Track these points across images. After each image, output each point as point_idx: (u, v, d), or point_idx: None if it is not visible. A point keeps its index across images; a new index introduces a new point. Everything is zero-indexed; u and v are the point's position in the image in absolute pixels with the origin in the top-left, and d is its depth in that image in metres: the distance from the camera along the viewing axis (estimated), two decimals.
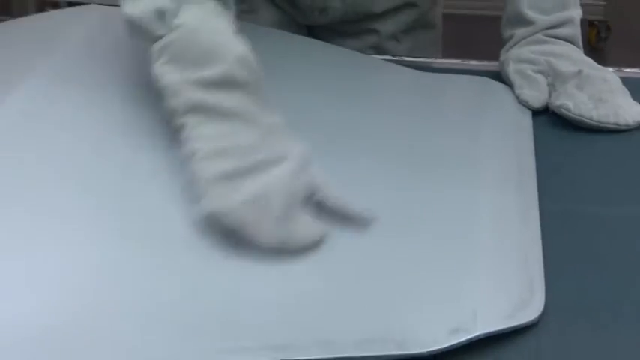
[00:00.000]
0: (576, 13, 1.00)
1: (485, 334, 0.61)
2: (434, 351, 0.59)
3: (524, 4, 0.98)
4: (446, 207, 0.74)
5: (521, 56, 0.96)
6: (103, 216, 0.67)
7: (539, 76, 0.94)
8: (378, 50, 1.12)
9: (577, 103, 0.89)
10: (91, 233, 0.65)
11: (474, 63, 1.04)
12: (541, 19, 0.97)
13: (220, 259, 0.65)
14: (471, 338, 0.60)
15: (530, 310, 0.64)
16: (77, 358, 0.56)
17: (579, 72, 0.92)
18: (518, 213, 0.75)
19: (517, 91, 0.94)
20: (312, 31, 1.16)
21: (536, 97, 0.93)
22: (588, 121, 0.89)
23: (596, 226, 0.76)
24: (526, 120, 0.90)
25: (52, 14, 1.07)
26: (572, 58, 0.96)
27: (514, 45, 0.98)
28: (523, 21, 0.97)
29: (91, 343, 0.57)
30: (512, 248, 0.70)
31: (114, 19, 0.89)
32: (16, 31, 0.97)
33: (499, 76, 0.98)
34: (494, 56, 1.01)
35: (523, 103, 0.93)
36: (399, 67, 0.98)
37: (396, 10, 1.13)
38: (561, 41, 0.98)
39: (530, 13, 0.97)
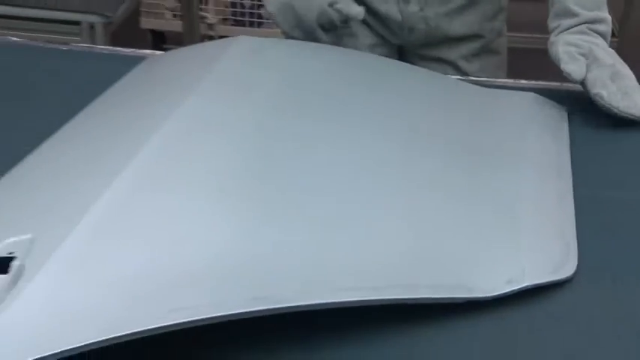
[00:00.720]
0: (608, 15, 0.96)
1: (532, 285, 0.61)
2: (494, 296, 0.59)
3: (570, 1, 0.94)
4: (500, 189, 0.73)
5: (570, 40, 0.92)
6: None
7: (582, 57, 0.90)
8: (454, 69, 1.12)
9: (609, 93, 0.87)
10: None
11: (523, 82, 1.01)
12: (584, 13, 0.94)
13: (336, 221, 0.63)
14: (521, 288, 0.60)
15: (567, 269, 0.63)
16: None
17: (613, 64, 0.89)
18: (556, 195, 0.74)
19: (563, 66, 0.90)
20: (402, 55, 1.16)
21: (577, 71, 0.89)
22: (615, 110, 0.87)
23: (621, 207, 0.74)
24: (564, 125, 0.88)
25: (209, 44, 1.05)
26: (607, 51, 0.93)
27: (562, 31, 0.94)
28: (569, 14, 0.94)
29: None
30: (551, 222, 0.69)
31: (258, 46, 0.89)
32: (179, 58, 0.98)
33: (543, 93, 0.95)
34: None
35: (566, 75, 0.89)
36: (465, 83, 0.98)
37: (466, 38, 1.12)
38: (598, 35, 0.94)
39: (576, 8, 0.94)
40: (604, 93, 0.86)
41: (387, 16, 1.08)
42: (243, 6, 2.46)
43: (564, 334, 0.57)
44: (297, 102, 0.79)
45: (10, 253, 0.54)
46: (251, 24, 2.47)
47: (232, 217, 0.61)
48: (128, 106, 0.82)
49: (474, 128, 0.83)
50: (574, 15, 0.93)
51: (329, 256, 0.59)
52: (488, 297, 0.58)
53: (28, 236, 0.55)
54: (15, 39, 1.07)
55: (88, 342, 0.47)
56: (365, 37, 1.13)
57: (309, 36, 1.01)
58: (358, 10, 0.99)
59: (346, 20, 1.00)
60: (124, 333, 0.48)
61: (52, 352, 0.46)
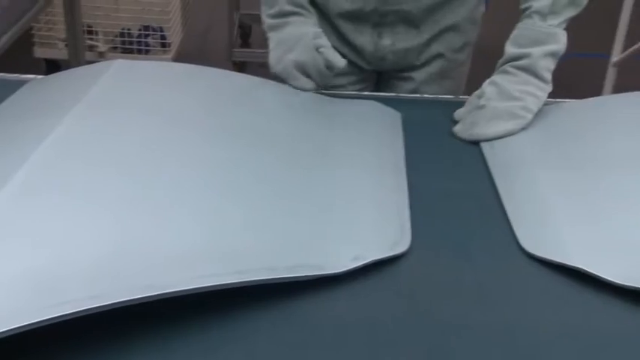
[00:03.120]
0: (538, 49, 0.91)
1: (374, 260, 0.64)
2: (342, 272, 0.63)
3: (509, 41, 0.93)
4: (346, 182, 0.76)
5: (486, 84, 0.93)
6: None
7: (474, 100, 0.92)
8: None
9: (459, 127, 0.90)
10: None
11: (366, 93, 1.06)
12: (510, 51, 0.92)
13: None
14: (365, 263, 0.64)
15: (402, 246, 0.68)
16: None
17: (485, 102, 0.90)
18: (393, 185, 0.77)
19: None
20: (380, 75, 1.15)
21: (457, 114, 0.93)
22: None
23: (446, 196, 0.78)
24: (398, 126, 0.91)
25: (91, 66, 0.96)
26: (507, 91, 0.91)
27: (496, 71, 0.94)
28: (503, 54, 0.94)
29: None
30: (389, 208, 0.73)
31: (133, 68, 0.89)
32: (62, 78, 0.95)
33: (382, 101, 0.97)
34: None
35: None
36: (310, 93, 0.96)
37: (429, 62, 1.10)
38: (518, 71, 0.92)
39: (507, 47, 0.93)
40: (456, 128, 0.89)
41: (362, 48, 1.06)
42: (131, 35, 2.44)
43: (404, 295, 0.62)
44: (167, 116, 0.78)
45: None
46: (139, 51, 2.45)
47: (112, 216, 0.61)
48: (12, 123, 0.79)
49: (324, 131, 0.85)
50: (503, 55, 0.93)
51: (199, 245, 0.59)
52: (338, 273, 0.62)
53: None
54: None
55: None
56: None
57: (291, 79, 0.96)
58: (339, 60, 0.95)
59: (331, 67, 0.95)
60: (13, 327, 0.47)
61: None
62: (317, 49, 0.94)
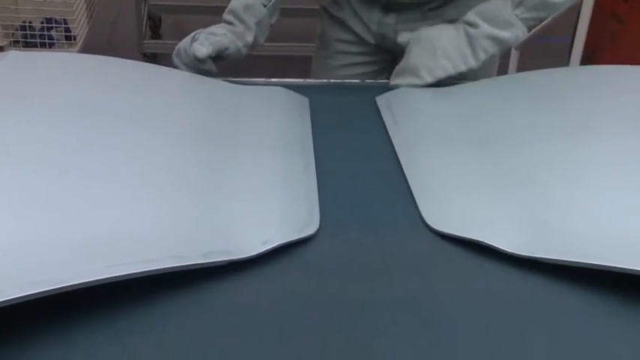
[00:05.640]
0: (499, 34, 0.92)
1: (284, 243, 0.65)
2: (251, 256, 0.63)
3: (474, 8, 0.96)
4: (252, 166, 0.76)
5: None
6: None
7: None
8: None
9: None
10: None
11: (274, 80, 1.04)
12: (467, 16, 0.96)
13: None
14: (274, 246, 0.64)
15: (310, 229, 0.68)
16: None
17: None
18: (301, 169, 0.78)
19: None
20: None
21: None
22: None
23: (354, 176, 0.79)
24: (306, 110, 0.92)
25: None
26: (435, 45, 0.95)
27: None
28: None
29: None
30: (297, 191, 0.74)
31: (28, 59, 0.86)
32: None
33: (291, 87, 0.98)
34: None
35: None
36: (219, 81, 0.97)
37: None
38: (462, 34, 0.94)
39: (468, 13, 0.96)
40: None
41: (368, 22, 1.11)
42: (33, 28, 2.34)
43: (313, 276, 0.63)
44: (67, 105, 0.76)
45: None
46: (42, 45, 2.36)
47: (11, 210, 0.59)
48: None
49: (231, 118, 0.84)
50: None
51: (105, 236, 0.59)
52: (247, 257, 0.62)
53: None
54: None
55: None
56: (344, 33, 1.16)
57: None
58: (203, 51, 0.94)
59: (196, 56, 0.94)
60: None
61: None
62: (193, 37, 0.95)
